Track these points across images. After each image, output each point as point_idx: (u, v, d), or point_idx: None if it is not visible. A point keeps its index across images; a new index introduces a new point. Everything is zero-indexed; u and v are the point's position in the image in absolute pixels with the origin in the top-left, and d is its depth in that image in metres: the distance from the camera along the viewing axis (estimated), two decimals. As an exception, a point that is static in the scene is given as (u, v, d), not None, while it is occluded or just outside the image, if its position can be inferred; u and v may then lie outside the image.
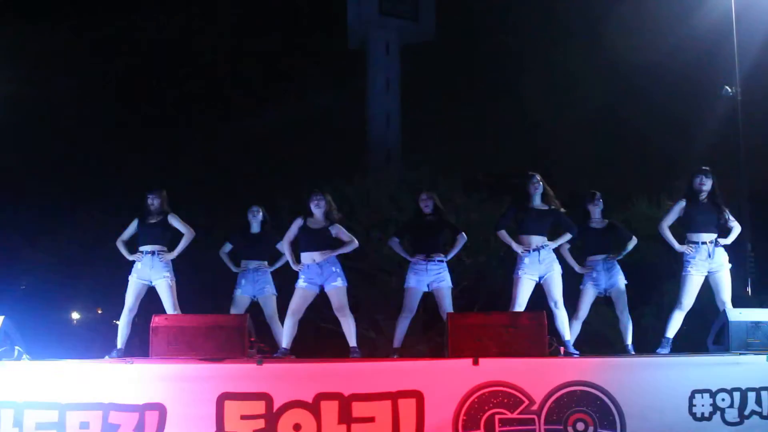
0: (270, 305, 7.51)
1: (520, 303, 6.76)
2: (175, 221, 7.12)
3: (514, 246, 6.83)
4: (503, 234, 6.89)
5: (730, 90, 12.06)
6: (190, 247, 7.20)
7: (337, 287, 6.74)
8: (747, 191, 11.99)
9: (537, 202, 6.90)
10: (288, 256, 6.99)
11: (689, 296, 6.77)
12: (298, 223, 6.92)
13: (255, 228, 7.64)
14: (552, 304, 6.80)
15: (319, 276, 6.76)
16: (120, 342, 6.89)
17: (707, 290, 6.89)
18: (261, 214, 7.64)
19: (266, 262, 7.62)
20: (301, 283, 6.78)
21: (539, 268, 6.77)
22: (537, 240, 6.79)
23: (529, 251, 6.75)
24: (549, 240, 6.86)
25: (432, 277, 7.00)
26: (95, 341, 13.59)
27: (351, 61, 35.74)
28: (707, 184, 6.79)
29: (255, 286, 7.51)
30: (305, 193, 7.04)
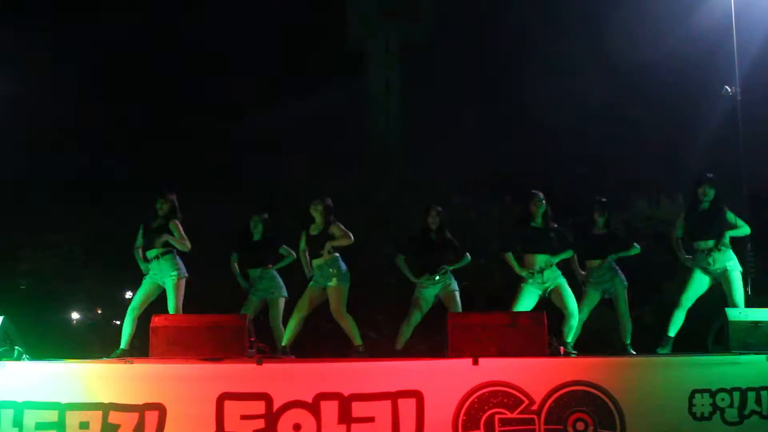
0: (275, 307, 7.51)
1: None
2: (174, 230, 6.94)
3: (517, 269, 6.90)
4: (509, 256, 6.94)
5: (729, 90, 12.03)
6: (192, 247, 7.16)
7: (332, 287, 6.78)
8: (747, 191, 11.97)
9: (539, 220, 6.97)
10: (305, 267, 7.09)
11: (688, 294, 6.83)
12: (304, 234, 7.03)
13: (256, 236, 7.65)
14: (564, 311, 6.84)
15: (321, 277, 6.84)
16: (124, 342, 6.80)
17: (708, 290, 6.92)
18: (261, 224, 7.62)
19: (270, 265, 7.59)
20: (311, 282, 6.95)
21: (542, 286, 6.85)
22: (541, 259, 6.85)
23: (532, 274, 6.82)
24: (552, 255, 6.92)
25: (438, 288, 7.10)
26: (95, 341, 13.60)
27: (351, 61, 35.76)
28: (709, 194, 6.83)
29: (261, 288, 7.53)
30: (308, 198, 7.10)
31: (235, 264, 7.66)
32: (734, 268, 6.74)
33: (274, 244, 7.62)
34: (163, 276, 6.92)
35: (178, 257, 7.02)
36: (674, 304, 6.91)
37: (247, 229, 7.69)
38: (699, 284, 6.83)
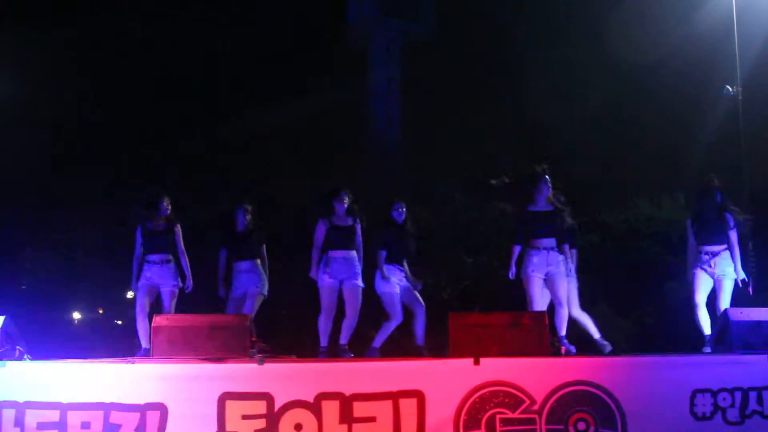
0: (253, 302, 7.26)
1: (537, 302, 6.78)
2: (178, 236, 7.08)
3: (511, 273, 6.83)
4: (517, 249, 6.85)
5: (731, 90, 12.04)
6: (188, 247, 7.19)
7: (356, 286, 6.88)
8: (747, 191, 11.97)
9: (543, 203, 6.89)
10: (313, 264, 7.03)
11: (695, 293, 6.86)
12: (323, 225, 6.95)
13: (240, 227, 7.46)
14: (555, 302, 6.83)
15: (343, 271, 6.92)
16: (144, 341, 6.87)
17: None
18: (249, 213, 7.48)
19: (258, 261, 7.41)
20: (327, 279, 6.95)
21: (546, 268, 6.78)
22: (546, 243, 6.80)
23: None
24: (558, 238, 6.84)
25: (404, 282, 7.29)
26: (96, 341, 13.61)
27: (351, 61, 35.73)
28: (708, 196, 6.85)
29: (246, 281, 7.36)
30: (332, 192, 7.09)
31: (223, 262, 7.46)
32: (730, 274, 6.79)
33: (260, 236, 7.47)
34: (163, 282, 6.99)
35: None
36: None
37: (232, 221, 7.48)
38: (698, 279, 6.91)
